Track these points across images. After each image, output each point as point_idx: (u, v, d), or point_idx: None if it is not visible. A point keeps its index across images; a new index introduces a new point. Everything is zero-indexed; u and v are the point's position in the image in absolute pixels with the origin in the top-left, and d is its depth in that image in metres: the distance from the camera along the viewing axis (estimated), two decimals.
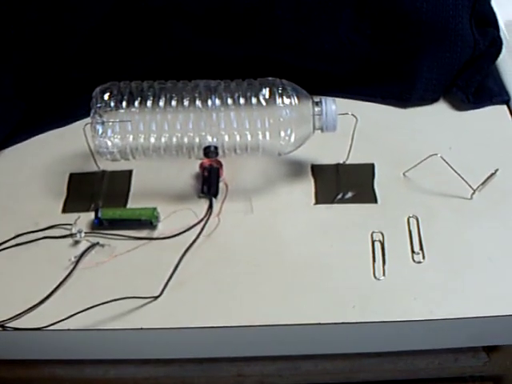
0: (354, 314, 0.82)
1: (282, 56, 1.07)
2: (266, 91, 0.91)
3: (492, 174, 0.94)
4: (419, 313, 0.82)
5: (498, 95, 1.08)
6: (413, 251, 0.88)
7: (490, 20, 1.10)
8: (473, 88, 1.07)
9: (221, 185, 0.96)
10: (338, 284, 0.85)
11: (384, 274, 0.86)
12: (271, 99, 0.91)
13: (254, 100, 0.91)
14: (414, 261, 0.87)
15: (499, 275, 0.85)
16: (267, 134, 0.92)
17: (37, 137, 1.08)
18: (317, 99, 0.93)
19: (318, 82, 1.05)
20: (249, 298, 0.85)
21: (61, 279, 0.87)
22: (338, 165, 0.99)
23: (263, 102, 0.91)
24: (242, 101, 0.92)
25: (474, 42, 1.05)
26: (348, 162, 0.99)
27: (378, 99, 1.09)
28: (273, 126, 0.91)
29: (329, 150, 0.99)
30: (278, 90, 0.91)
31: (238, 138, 0.92)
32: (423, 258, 0.87)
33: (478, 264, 0.87)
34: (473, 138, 1.03)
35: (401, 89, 1.08)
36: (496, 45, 1.09)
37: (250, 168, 1.00)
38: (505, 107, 1.07)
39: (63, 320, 0.81)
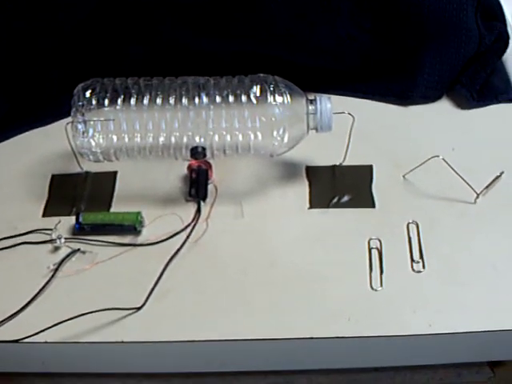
0: (349, 327, 0.77)
1: (277, 51, 1.02)
2: (256, 88, 0.87)
3: (497, 177, 0.89)
4: (419, 326, 0.77)
5: (504, 93, 1.03)
6: (412, 260, 0.83)
7: (496, 13, 1.05)
8: (477, 85, 1.02)
9: (210, 187, 0.92)
10: (332, 295, 0.81)
11: (381, 285, 0.81)
12: (262, 97, 0.86)
13: (244, 98, 0.87)
14: (413, 270, 0.83)
15: (505, 286, 0.81)
16: (259, 133, 0.87)
17: (18, 136, 1.03)
18: (311, 97, 0.88)
19: (315, 78, 1.02)
20: (238, 309, 0.80)
21: (39, 288, 0.83)
22: (334, 166, 0.94)
23: (254, 100, 0.86)
24: (231, 98, 0.87)
25: (479, 36, 1.01)
26: (345, 164, 0.94)
27: (377, 97, 1.04)
28: (265, 126, 0.86)
29: (324, 151, 0.95)
30: (269, 87, 0.87)
31: (227, 137, 0.88)
32: (423, 267, 0.83)
33: (481, 273, 0.82)
34: (477, 138, 0.98)
35: (402, 86, 1.03)
36: (502, 39, 1.04)
37: (240, 170, 0.95)
38: (511, 105, 1.03)
39: (41, 332, 0.77)
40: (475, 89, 1.02)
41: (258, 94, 0.86)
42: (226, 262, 0.85)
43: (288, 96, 0.86)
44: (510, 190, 0.90)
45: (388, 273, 0.82)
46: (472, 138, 0.98)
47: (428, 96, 1.03)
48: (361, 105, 1.03)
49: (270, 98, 0.86)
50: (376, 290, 0.81)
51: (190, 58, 1.02)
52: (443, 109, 1.03)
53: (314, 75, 1.02)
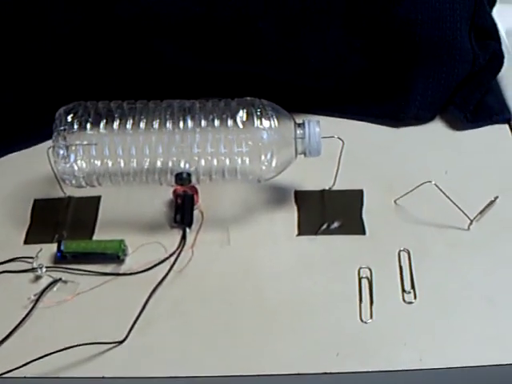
0: (338, 362, 0.75)
1: (265, 71, 1.00)
2: (243, 113, 0.85)
3: (491, 202, 0.87)
4: (409, 361, 0.75)
5: (499, 113, 1.01)
6: (403, 290, 0.81)
7: (490, 32, 1.03)
8: (471, 106, 1.00)
9: (195, 213, 0.89)
10: (321, 327, 0.78)
11: (371, 317, 0.79)
12: (249, 121, 0.84)
13: (230, 122, 0.84)
14: (404, 301, 0.80)
15: (500, 318, 0.78)
16: (246, 158, 0.85)
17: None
18: (299, 121, 0.86)
19: (304, 99, 1.01)
20: (223, 343, 0.78)
21: (19, 320, 0.80)
22: (323, 191, 0.92)
23: (240, 125, 0.84)
24: (217, 122, 0.85)
25: (473, 56, 0.99)
26: (334, 188, 0.92)
27: (368, 118, 1.02)
28: (252, 150, 0.84)
29: (313, 175, 0.93)
30: (256, 111, 0.85)
31: (214, 162, 0.85)
32: (415, 297, 0.80)
33: (475, 305, 0.79)
34: (470, 161, 0.96)
35: (393, 107, 1.01)
36: (497, 59, 1.02)
37: (227, 194, 0.93)
38: (506, 126, 1.01)
39: (20, 367, 0.74)
40: (469, 109, 1.00)
41: (244, 119, 0.84)
42: (212, 292, 0.82)
43: (275, 120, 0.84)
44: (505, 215, 0.88)
45: (378, 304, 0.80)
46: (465, 160, 0.96)
47: (420, 117, 1.01)
48: (351, 126, 1.01)
49: (257, 122, 0.84)
50: (366, 323, 0.78)
51: (177, 78, 1.00)
52: (436, 130, 1.01)
53: (302, 95, 1.00)
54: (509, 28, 1.09)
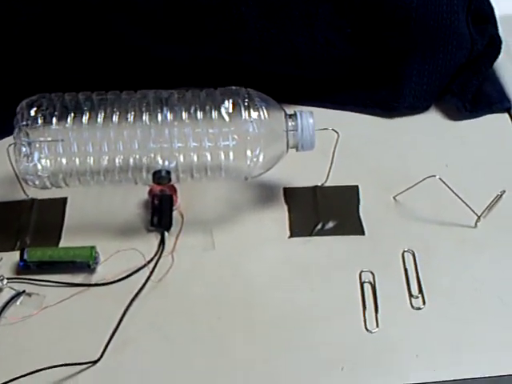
0: (343, 377, 0.69)
1: (248, 59, 0.94)
2: (228, 103, 0.77)
3: (498, 197, 0.81)
4: (422, 373, 0.69)
5: (498, 102, 0.96)
6: (411, 295, 0.75)
7: (487, 16, 0.98)
8: (470, 94, 0.95)
9: (175, 214, 0.83)
10: (322, 340, 0.72)
11: (377, 325, 0.73)
12: (235, 112, 0.77)
13: (214, 113, 0.77)
14: (412, 307, 0.74)
15: None
16: (231, 153, 0.78)
17: None
18: (291, 112, 0.79)
19: (291, 89, 0.95)
20: (210, 360, 0.71)
21: None
22: (315, 187, 0.86)
23: (226, 117, 0.77)
24: (199, 114, 0.77)
25: (470, 41, 0.94)
26: (327, 185, 0.86)
27: (360, 108, 0.96)
28: (238, 145, 0.77)
29: (304, 170, 0.86)
30: (243, 101, 0.77)
31: (195, 158, 0.78)
32: (423, 302, 0.75)
33: (488, 306, 0.75)
34: (472, 153, 0.90)
35: (386, 96, 0.95)
36: (495, 44, 0.97)
37: (210, 193, 0.86)
38: (506, 115, 0.96)
39: None
40: (467, 98, 0.94)
41: (230, 110, 0.77)
42: (196, 303, 0.76)
43: (264, 111, 0.77)
44: None
45: (384, 311, 0.74)
46: (466, 152, 0.91)
47: (415, 106, 0.95)
48: (344, 117, 0.95)
49: (244, 114, 0.77)
50: (371, 332, 0.72)
51: (150, 67, 0.94)
52: (432, 120, 0.95)
53: (289, 85, 0.94)
54: (502, 14, 1.02)
